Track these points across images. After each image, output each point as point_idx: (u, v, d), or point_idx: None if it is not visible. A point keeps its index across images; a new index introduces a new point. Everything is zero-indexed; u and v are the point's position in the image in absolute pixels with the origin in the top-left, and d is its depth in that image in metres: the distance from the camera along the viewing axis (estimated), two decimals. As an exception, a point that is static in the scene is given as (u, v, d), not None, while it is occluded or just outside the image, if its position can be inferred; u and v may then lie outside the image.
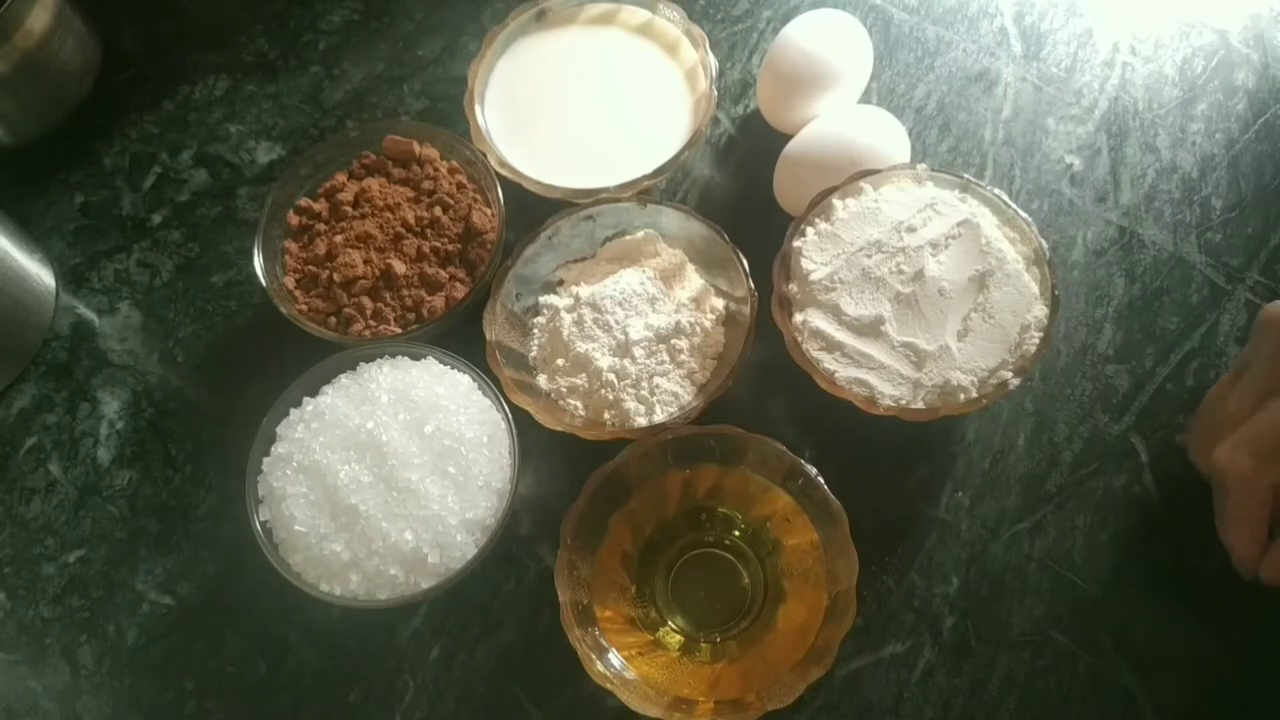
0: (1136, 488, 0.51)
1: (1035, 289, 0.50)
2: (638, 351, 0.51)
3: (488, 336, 0.52)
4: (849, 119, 0.55)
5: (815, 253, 0.51)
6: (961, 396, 0.48)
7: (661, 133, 0.58)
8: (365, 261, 0.55)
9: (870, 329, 0.49)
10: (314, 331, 0.54)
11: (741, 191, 0.60)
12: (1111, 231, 0.57)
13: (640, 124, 0.58)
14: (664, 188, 0.60)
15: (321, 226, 0.57)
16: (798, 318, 0.51)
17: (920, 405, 0.48)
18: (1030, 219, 0.51)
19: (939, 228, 0.50)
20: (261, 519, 0.49)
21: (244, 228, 0.62)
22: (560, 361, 0.52)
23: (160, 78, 0.67)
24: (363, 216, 0.56)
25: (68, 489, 0.56)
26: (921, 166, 0.53)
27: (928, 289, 0.49)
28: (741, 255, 0.52)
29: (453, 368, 0.52)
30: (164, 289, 0.61)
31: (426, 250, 0.55)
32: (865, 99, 0.61)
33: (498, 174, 0.56)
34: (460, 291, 0.54)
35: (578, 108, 0.59)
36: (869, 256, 0.50)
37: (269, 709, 0.50)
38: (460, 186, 0.57)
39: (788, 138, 0.56)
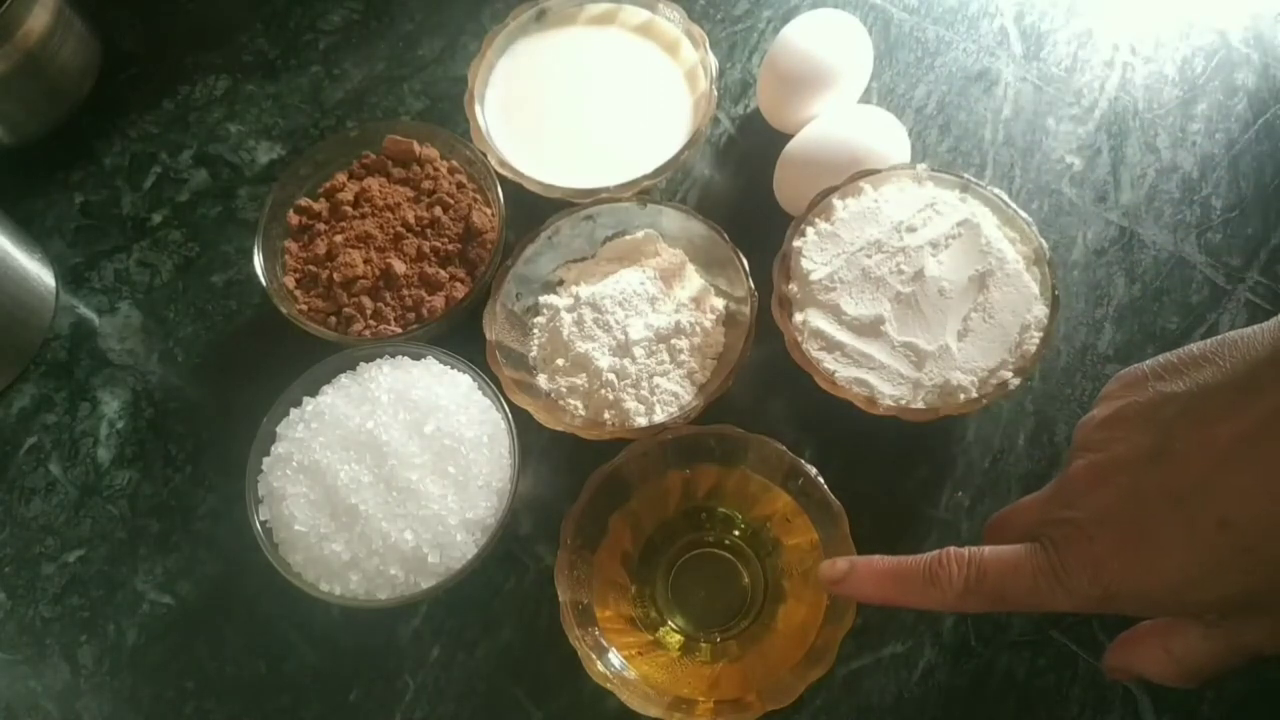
0: (1136, 488, 0.51)
1: (1035, 289, 0.50)
2: (638, 351, 0.51)
3: (488, 336, 0.52)
4: (849, 119, 0.55)
5: (815, 253, 0.51)
6: (961, 396, 0.48)
7: (661, 133, 0.58)
8: (365, 261, 0.55)
9: (870, 329, 0.49)
10: (314, 331, 0.54)
11: (741, 191, 0.60)
12: (1112, 231, 0.57)
13: (640, 124, 0.58)
14: (664, 188, 0.60)
15: (321, 226, 0.57)
16: (798, 318, 0.51)
17: (920, 405, 0.48)
18: (1030, 219, 0.51)
19: (939, 228, 0.50)
20: (261, 519, 0.49)
21: (244, 228, 0.62)
22: (560, 361, 0.52)
23: (160, 78, 0.67)
24: (363, 216, 0.56)
25: (68, 489, 0.56)
26: (921, 166, 0.53)
27: (928, 289, 0.49)
28: (741, 255, 0.52)
29: (453, 368, 0.52)
30: (164, 289, 0.61)
31: (426, 250, 0.55)
32: (865, 99, 0.61)
33: (498, 174, 0.56)
34: (460, 291, 0.54)
35: (578, 107, 0.59)
36: (869, 256, 0.50)
37: (269, 709, 0.50)
38: (460, 186, 0.57)
39: (788, 138, 0.56)
